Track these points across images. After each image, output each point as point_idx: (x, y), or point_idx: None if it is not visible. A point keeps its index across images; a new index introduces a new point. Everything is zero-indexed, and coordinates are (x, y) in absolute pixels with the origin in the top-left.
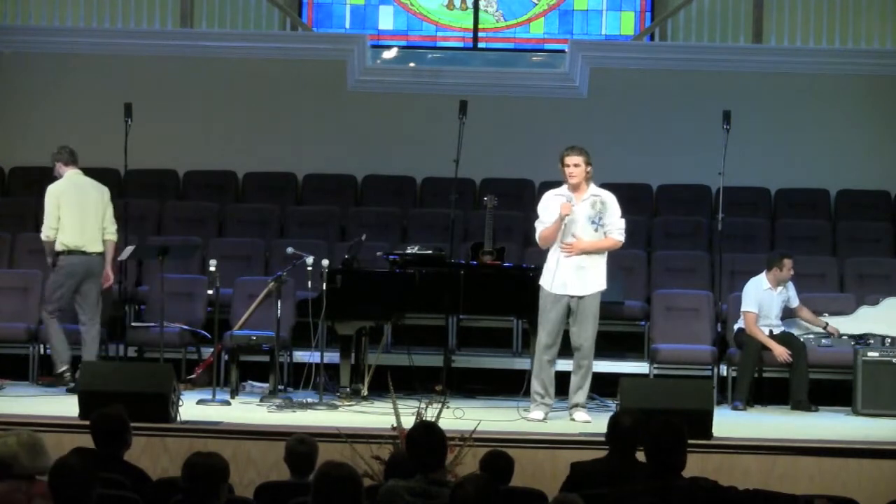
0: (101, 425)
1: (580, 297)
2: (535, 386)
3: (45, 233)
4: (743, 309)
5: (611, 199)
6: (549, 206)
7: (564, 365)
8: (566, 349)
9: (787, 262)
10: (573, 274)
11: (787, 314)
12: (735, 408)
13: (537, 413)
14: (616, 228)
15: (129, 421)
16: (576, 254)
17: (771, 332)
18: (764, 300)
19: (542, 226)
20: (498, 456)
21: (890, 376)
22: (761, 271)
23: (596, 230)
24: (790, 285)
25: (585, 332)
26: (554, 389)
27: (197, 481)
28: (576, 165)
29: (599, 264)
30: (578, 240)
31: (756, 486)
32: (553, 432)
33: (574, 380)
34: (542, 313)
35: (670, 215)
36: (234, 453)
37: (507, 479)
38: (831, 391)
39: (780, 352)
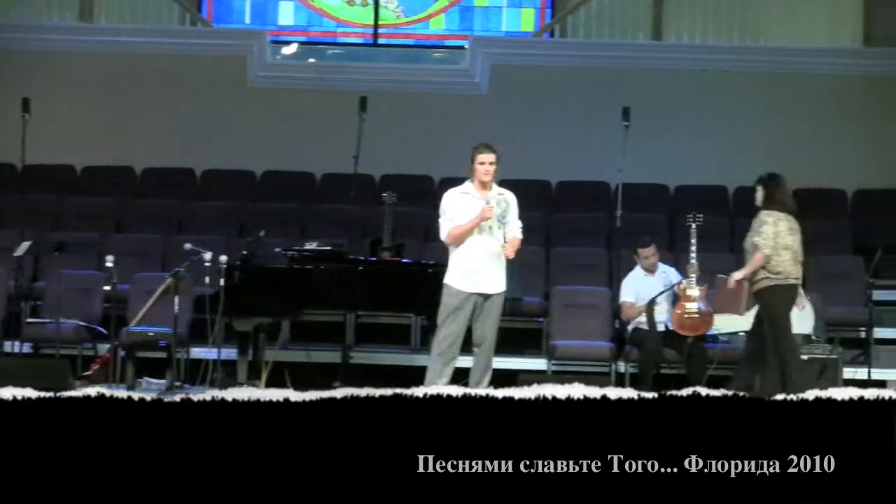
0: None
1: (490, 295)
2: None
3: None
4: (620, 300)
5: (513, 198)
6: (457, 205)
7: (464, 361)
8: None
9: (641, 252)
10: (491, 274)
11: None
12: None
13: None
14: (518, 227)
15: None
16: (512, 256)
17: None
18: (641, 288)
19: (451, 223)
20: None
21: None
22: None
23: (500, 228)
24: (671, 269)
25: (492, 328)
26: None
27: None
28: (491, 164)
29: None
30: (511, 243)
31: None
32: None
33: (475, 375)
34: (448, 311)
35: (570, 212)
36: None
37: None
38: None
39: (636, 311)
